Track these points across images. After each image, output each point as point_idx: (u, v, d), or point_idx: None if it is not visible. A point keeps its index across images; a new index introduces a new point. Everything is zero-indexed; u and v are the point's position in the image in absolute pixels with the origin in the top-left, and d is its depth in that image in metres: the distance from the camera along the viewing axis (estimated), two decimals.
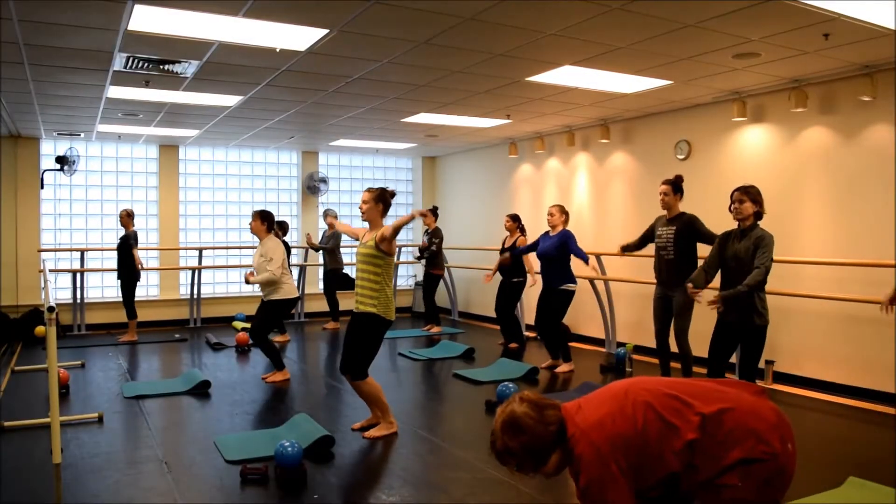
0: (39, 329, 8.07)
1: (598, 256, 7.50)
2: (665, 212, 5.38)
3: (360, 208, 4.51)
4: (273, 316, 6.18)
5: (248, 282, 6.19)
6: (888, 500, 3.33)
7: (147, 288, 9.58)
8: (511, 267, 7.52)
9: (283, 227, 8.14)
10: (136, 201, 9.55)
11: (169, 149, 9.67)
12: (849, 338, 5.56)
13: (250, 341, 7.84)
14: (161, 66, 5.24)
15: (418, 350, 7.56)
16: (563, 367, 6.47)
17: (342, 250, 9.16)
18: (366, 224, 4.58)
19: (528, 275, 7.39)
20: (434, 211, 8.97)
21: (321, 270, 9.63)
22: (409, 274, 11.48)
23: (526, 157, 9.34)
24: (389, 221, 4.44)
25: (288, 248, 7.80)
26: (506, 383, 5.12)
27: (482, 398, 5.33)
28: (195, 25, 4.26)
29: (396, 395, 5.48)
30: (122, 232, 8.11)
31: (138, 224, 9.10)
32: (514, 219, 7.65)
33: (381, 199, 4.47)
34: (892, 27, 4.27)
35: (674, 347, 5.46)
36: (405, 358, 7.26)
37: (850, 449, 4.33)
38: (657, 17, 4.13)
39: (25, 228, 8.86)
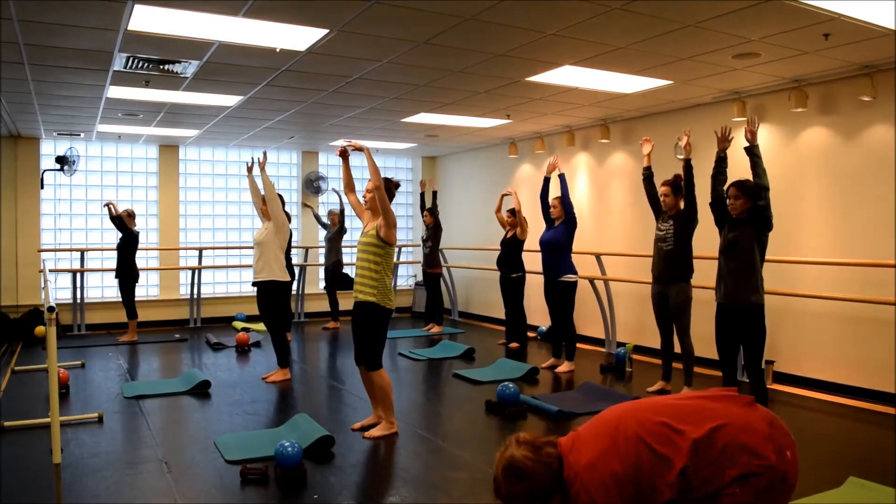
0: (39, 329, 8.08)
1: (597, 256, 7.50)
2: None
3: (364, 197, 4.51)
4: (273, 302, 6.07)
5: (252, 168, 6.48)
6: (888, 500, 3.33)
7: (147, 288, 9.58)
8: (508, 262, 7.55)
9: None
10: (136, 201, 9.55)
11: (169, 149, 9.67)
12: (849, 338, 5.56)
13: (251, 341, 7.86)
14: (161, 66, 5.24)
15: (418, 350, 7.56)
16: (563, 367, 6.47)
17: (341, 251, 9.17)
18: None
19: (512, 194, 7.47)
20: (433, 209, 8.98)
21: (321, 270, 9.64)
22: (409, 274, 11.48)
23: (526, 157, 9.34)
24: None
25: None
26: (506, 383, 5.11)
27: (482, 398, 5.33)
28: (195, 25, 4.26)
29: (396, 395, 5.45)
30: (121, 233, 8.11)
31: (138, 224, 9.12)
32: (514, 214, 7.66)
33: (385, 189, 4.47)
34: (892, 27, 4.27)
35: (677, 348, 5.48)
36: (405, 358, 7.26)
37: (850, 449, 4.32)
38: (657, 17, 4.13)
39: (25, 228, 8.87)
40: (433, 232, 8.87)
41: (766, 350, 4.87)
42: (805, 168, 5.89)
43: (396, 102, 6.70)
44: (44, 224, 9.08)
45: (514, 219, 7.60)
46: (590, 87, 6.03)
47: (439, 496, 3.52)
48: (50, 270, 6.48)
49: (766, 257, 4.52)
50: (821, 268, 5.69)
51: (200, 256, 9.58)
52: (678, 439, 2.05)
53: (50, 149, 9.03)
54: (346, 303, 8.22)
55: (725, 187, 4.56)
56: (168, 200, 9.69)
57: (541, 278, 6.69)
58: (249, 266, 9.22)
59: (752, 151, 4.41)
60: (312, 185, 10.41)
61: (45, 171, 8.88)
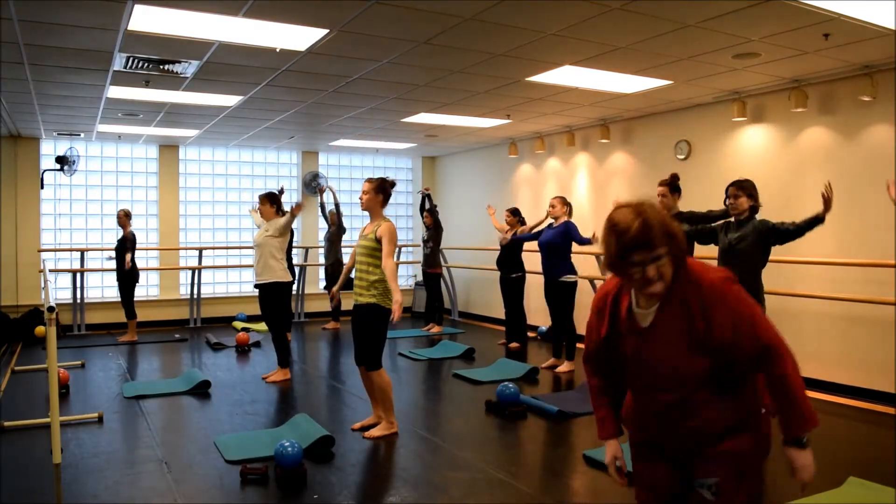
0: (39, 329, 8.08)
1: (597, 257, 7.50)
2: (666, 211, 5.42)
3: (360, 198, 4.52)
4: (276, 302, 6.11)
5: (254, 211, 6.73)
6: (888, 500, 3.33)
7: (147, 288, 9.58)
8: (508, 262, 7.55)
9: None
10: (136, 201, 9.55)
11: (169, 149, 9.67)
12: (849, 338, 5.56)
13: (251, 341, 7.86)
14: (161, 66, 5.24)
15: (418, 350, 7.56)
16: (563, 367, 6.47)
17: (341, 251, 9.17)
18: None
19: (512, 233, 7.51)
20: (432, 210, 8.98)
21: (321, 270, 9.63)
22: (409, 274, 11.48)
23: (526, 157, 9.34)
24: (388, 212, 4.54)
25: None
26: (506, 383, 5.11)
27: (482, 398, 5.33)
28: (195, 25, 4.26)
29: (396, 395, 5.45)
30: (121, 233, 8.11)
31: (138, 224, 9.13)
32: (514, 213, 7.66)
33: (381, 189, 4.48)
34: (892, 27, 4.27)
35: None
36: (405, 358, 7.26)
37: (850, 449, 4.33)
38: (657, 17, 4.13)
39: (25, 228, 8.86)
40: (434, 232, 8.87)
41: None
42: (805, 168, 5.89)
43: (396, 102, 6.70)
44: (44, 224, 9.08)
45: (515, 218, 7.60)
46: (590, 87, 6.02)
47: (439, 496, 3.52)
48: (50, 270, 6.48)
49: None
50: (821, 268, 5.69)
51: (200, 256, 9.57)
52: None
53: (50, 149, 9.03)
54: (346, 303, 8.21)
55: (725, 187, 4.45)
56: (168, 200, 9.68)
57: (541, 278, 6.69)
58: (249, 266, 9.24)
59: (821, 220, 4.13)
60: (310, 186, 10.40)
61: (45, 171, 8.88)
